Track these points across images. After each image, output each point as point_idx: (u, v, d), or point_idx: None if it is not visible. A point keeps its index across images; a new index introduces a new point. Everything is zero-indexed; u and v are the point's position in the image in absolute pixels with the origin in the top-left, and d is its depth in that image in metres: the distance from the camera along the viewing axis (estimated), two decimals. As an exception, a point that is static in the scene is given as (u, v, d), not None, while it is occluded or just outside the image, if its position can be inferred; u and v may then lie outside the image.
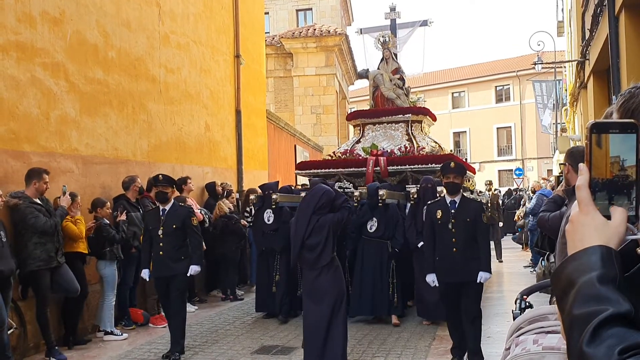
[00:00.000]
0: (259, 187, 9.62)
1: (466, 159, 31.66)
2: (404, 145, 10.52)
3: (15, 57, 7.03)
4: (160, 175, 7.03)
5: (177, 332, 6.78)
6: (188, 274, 6.90)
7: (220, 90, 12.64)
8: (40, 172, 6.83)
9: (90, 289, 7.92)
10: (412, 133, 10.93)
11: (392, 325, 8.11)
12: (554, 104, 25.98)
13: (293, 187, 10.91)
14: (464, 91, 43.60)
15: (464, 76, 44.23)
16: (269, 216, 8.86)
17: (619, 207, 1.03)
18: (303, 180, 15.03)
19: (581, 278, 0.96)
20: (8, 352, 5.94)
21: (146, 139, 9.70)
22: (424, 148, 10.44)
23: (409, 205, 8.76)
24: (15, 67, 7.02)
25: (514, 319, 2.29)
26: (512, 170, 35.61)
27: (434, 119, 12.24)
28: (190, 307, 9.49)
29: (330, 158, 11.21)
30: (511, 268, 13.96)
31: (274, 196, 8.68)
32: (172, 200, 7.08)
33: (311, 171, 10.69)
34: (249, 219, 11.06)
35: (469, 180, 11.58)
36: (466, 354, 6.19)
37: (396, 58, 12.02)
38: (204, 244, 9.91)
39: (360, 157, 10.46)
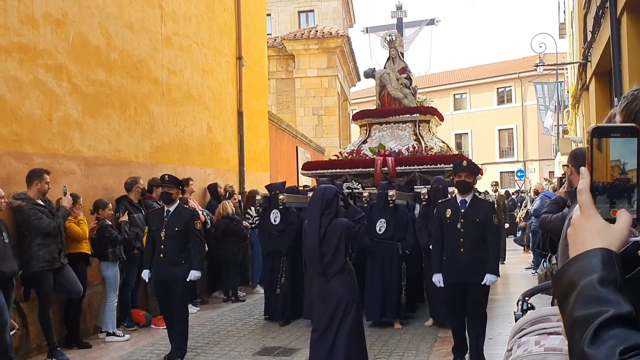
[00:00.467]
0: (266, 187, 9.51)
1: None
2: (412, 145, 10.39)
3: (18, 58, 7.04)
4: (167, 176, 6.88)
5: (179, 337, 6.69)
6: (188, 279, 6.70)
7: (222, 91, 12.66)
8: (40, 172, 6.84)
9: (93, 290, 7.94)
10: (419, 133, 10.81)
11: (383, 325, 8.06)
12: (555, 106, 25.97)
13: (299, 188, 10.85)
14: (465, 93, 43.58)
15: (465, 78, 44.20)
16: (275, 217, 8.71)
17: (625, 210, 1.03)
18: (306, 181, 15.05)
19: (582, 280, 0.97)
20: (10, 353, 5.95)
21: (148, 140, 9.71)
22: (433, 148, 10.31)
23: (418, 206, 8.69)
24: (18, 69, 7.03)
25: (516, 320, 2.29)
26: (513, 172, 35.60)
27: (442, 118, 12.12)
28: (192, 309, 9.49)
29: (336, 158, 11.10)
30: (513, 270, 13.95)
31: (280, 196, 8.52)
32: (178, 202, 6.92)
33: (317, 172, 10.58)
34: (251, 221, 11.07)
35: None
36: (467, 354, 6.17)
37: (403, 57, 11.91)
38: (206, 245, 9.95)
39: (368, 158, 10.33)
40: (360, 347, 5.47)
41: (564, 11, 23.83)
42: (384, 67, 11.71)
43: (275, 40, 23.14)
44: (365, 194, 8.60)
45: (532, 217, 13.17)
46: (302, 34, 23.25)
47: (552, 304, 3.05)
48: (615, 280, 0.96)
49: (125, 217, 8.09)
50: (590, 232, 1.02)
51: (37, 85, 7.33)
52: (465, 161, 6.19)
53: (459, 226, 5.97)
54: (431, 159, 9.81)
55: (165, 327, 8.30)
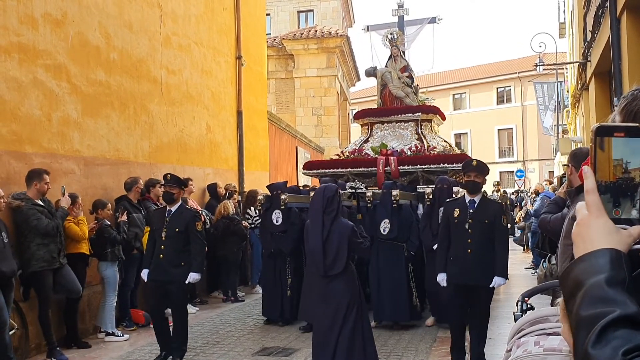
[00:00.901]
0: (267, 187, 9.38)
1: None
2: (415, 145, 10.28)
3: (18, 58, 7.04)
4: (169, 175, 6.75)
5: (179, 338, 6.62)
6: (187, 282, 6.57)
7: (221, 91, 12.65)
8: (40, 172, 6.84)
9: (92, 290, 7.94)
10: (421, 132, 10.71)
11: (394, 328, 8.00)
12: (555, 106, 25.98)
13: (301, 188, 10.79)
14: (465, 92, 43.59)
15: (465, 77, 44.21)
16: (277, 217, 8.55)
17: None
18: (305, 181, 15.04)
19: (589, 280, 0.96)
20: (10, 353, 5.95)
21: (147, 140, 9.71)
22: (435, 147, 10.21)
23: (420, 206, 8.60)
24: (18, 69, 7.03)
25: (516, 320, 2.29)
26: (513, 171, 35.62)
27: (444, 118, 12.03)
28: (191, 309, 9.49)
29: (338, 158, 11.01)
30: (512, 270, 13.90)
31: (282, 196, 8.40)
32: (180, 202, 6.79)
33: (318, 171, 10.48)
34: (250, 221, 11.06)
35: None
36: (467, 355, 6.15)
37: (404, 55, 11.80)
38: (206, 246, 9.94)
39: (370, 157, 10.23)
40: (365, 349, 5.37)
41: (564, 11, 23.84)
42: (386, 66, 11.59)
43: (275, 40, 23.13)
44: (369, 193, 8.51)
45: (532, 218, 13.17)
46: (302, 34, 23.25)
47: (552, 305, 3.05)
48: (623, 280, 0.95)
49: (124, 217, 8.08)
50: (600, 232, 1.01)
51: (37, 85, 7.33)
52: (475, 161, 6.12)
53: (466, 226, 5.89)
54: (434, 158, 9.71)
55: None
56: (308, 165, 11.07)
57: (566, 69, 24.05)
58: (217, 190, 11.41)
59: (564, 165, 11.03)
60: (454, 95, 44.02)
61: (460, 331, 6.10)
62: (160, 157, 10.06)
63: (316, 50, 23.05)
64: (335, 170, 10.25)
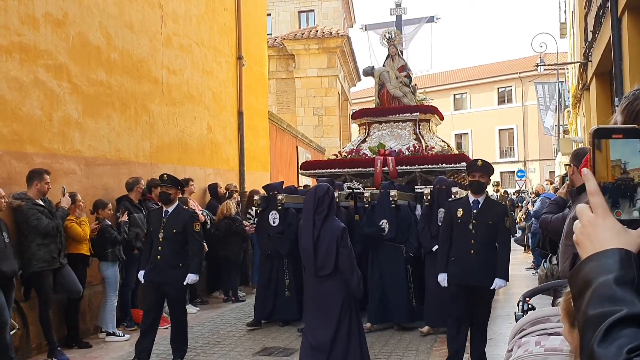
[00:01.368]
0: (263, 187, 9.27)
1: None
2: (412, 145, 10.20)
3: (19, 58, 7.04)
4: (165, 175, 6.66)
5: (179, 338, 6.58)
6: (185, 283, 6.48)
7: (222, 91, 12.66)
8: (40, 172, 6.84)
9: (93, 290, 7.95)
10: (419, 132, 10.63)
11: (394, 329, 7.93)
12: (556, 106, 25.97)
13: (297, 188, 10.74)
14: (465, 93, 43.59)
15: (465, 78, 44.21)
16: (274, 218, 8.47)
17: None
18: (306, 181, 15.03)
19: (598, 279, 0.97)
20: (11, 353, 5.95)
21: (148, 140, 9.71)
22: (433, 148, 10.13)
23: (418, 207, 8.52)
24: (19, 69, 7.03)
25: (517, 321, 2.29)
26: (514, 172, 35.60)
27: (442, 118, 11.95)
28: (192, 309, 9.50)
29: (335, 158, 10.94)
30: (513, 270, 13.87)
31: (279, 197, 8.31)
32: (177, 202, 6.70)
33: (316, 171, 10.39)
34: (252, 221, 11.05)
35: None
36: (468, 355, 6.13)
37: (402, 55, 11.72)
38: (205, 245, 9.94)
39: (367, 157, 10.14)
40: (362, 348, 5.34)
41: (565, 11, 23.84)
42: (383, 65, 11.51)
43: (276, 40, 23.14)
44: (367, 194, 8.45)
45: (533, 218, 13.18)
46: (303, 34, 23.25)
47: (553, 305, 3.05)
48: (632, 280, 0.96)
49: (124, 217, 8.09)
50: (608, 232, 1.02)
51: (38, 85, 7.33)
52: (480, 161, 6.06)
53: (470, 227, 5.84)
54: (432, 158, 9.63)
55: (166, 326, 8.32)
56: (305, 166, 10.96)
57: (567, 69, 24.04)
58: (218, 190, 11.41)
59: (566, 165, 11.04)
60: (454, 95, 44.02)
61: (457, 336, 6.00)
62: (161, 157, 10.06)
63: (317, 50, 23.06)
64: (332, 170, 10.16)
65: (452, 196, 7.33)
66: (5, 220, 6.37)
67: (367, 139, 10.91)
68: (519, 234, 17.41)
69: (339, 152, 11.32)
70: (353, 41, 24.88)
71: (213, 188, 11.47)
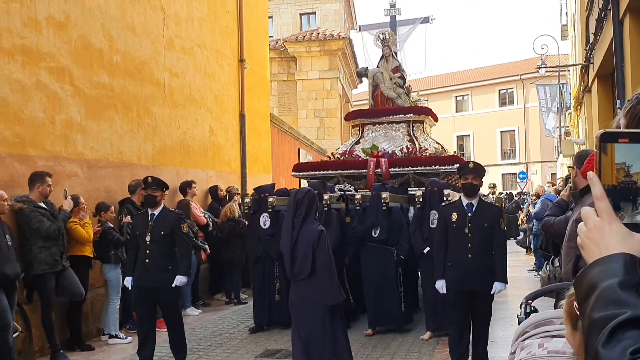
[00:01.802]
0: (254, 189, 9.14)
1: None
2: (406, 146, 10.08)
3: (21, 61, 7.06)
4: (150, 178, 6.57)
5: (177, 340, 6.52)
6: (173, 285, 6.39)
7: (224, 94, 12.67)
8: (42, 175, 6.84)
9: (95, 293, 7.95)
10: (413, 134, 10.48)
11: (396, 330, 7.88)
12: (557, 108, 25.97)
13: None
14: (467, 95, 43.60)
15: (467, 80, 44.23)
16: (265, 220, 8.36)
17: None
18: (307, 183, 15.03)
19: (603, 283, 0.98)
20: (14, 356, 5.96)
21: (150, 142, 9.72)
22: (427, 149, 10.00)
23: (411, 209, 8.41)
24: (21, 72, 7.05)
25: (519, 323, 2.30)
26: (515, 173, 35.60)
27: (436, 119, 11.80)
28: (194, 311, 9.52)
29: (328, 159, 10.81)
30: (515, 272, 13.92)
31: (270, 199, 8.20)
32: (162, 205, 6.62)
33: (309, 173, 10.24)
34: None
35: None
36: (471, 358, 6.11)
37: (396, 56, 11.60)
38: (207, 247, 9.95)
39: (360, 159, 10.01)
40: (338, 352, 5.30)
41: (566, 13, 23.84)
42: (377, 66, 11.37)
43: (277, 42, 23.16)
44: (358, 196, 8.36)
45: (534, 220, 13.17)
46: (304, 36, 23.28)
47: (555, 307, 3.05)
48: (636, 284, 0.97)
49: (127, 219, 8.09)
50: (614, 237, 1.03)
51: (40, 88, 7.35)
52: (471, 163, 5.98)
53: (466, 231, 5.74)
54: (425, 160, 9.49)
55: (165, 329, 8.31)
56: (298, 167, 10.78)
57: (568, 71, 24.04)
58: (218, 192, 11.43)
59: (569, 167, 11.02)
60: (456, 97, 44.03)
61: (460, 342, 5.95)
62: (163, 159, 10.07)
63: (318, 52, 23.08)
64: (325, 172, 10.01)
65: (445, 198, 7.25)
66: (8, 223, 6.38)
67: (360, 141, 10.79)
68: (520, 236, 17.40)
69: (332, 153, 11.18)
70: (354, 43, 24.91)
71: (213, 190, 11.49)
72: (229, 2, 13.21)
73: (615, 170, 1.04)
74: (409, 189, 9.25)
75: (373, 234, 7.90)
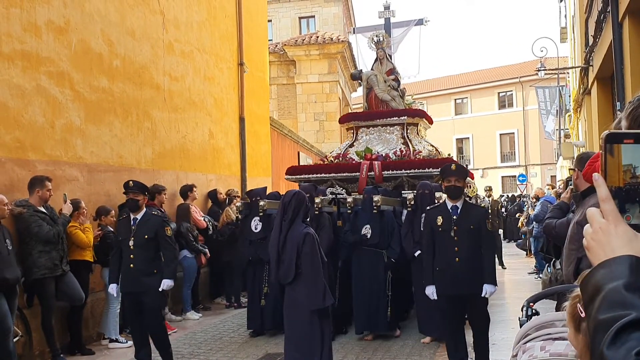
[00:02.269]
0: (246, 193, 9.03)
1: (467, 165, 31.55)
2: (400, 149, 9.95)
3: (21, 66, 7.06)
4: (131, 182, 6.50)
5: (161, 345, 6.41)
6: (160, 289, 6.37)
7: (224, 97, 12.68)
8: (42, 179, 6.84)
9: (95, 297, 7.95)
10: (407, 136, 10.36)
11: (394, 336, 7.78)
12: (557, 110, 25.98)
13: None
14: (466, 97, 43.64)
15: (466, 82, 44.27)
16: (256, 224, 8.26)
17: None
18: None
19: (608, 285, 0.99)
20: (14, 360, 5.95)
21: (150, 146, 9.72)
22: (421, 152, 9.90)
23: (405, 212, 8.29)
24: (21, 76, 7.05)
25: (521, 326, 2.29)
26: (515, 176, 35.59)
27: (431, 121, 11.69)
28: (194, 315, 9.51)
29: (322, 162, 10.69)
30: (515, 274, 13.93)
31: (261, 203, 8.11)
32: (144, 209, 6.57)
33: (302, 176, 10.06)
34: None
35: (469, 187, 11.30)
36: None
37: (391, 58, 11.48)
38: (207, 251, 9.95)
39: (354, 162, 9.88)
40: (324, 356, 5.25)
41: (565, 15, 23.86)
42: (372, 69, 11.25)
43: (277, 46, 23.18)
44: (350, 199, 8.25)
45: (534, 222, 13.16)
46: (303, 40, 23.31)
47: (557, 310, 3.05)
48: None
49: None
50: (620, 239, 1.03)
51: (40, 92, 7.35)
52: (453, 165, 5.86)
53: (452, 234, 5.61)
54: (419, 163, 9.35)
55: (169, 333, 8.31)
56: (291, 171, 10.56)
57: (568, 73, 24.06)
58: (218, 196, 11.43)
59: (570, 169, 11.02)
60: (455, 100, 44.06)
61: (457, 348, 5.87)
62: (163, 163, 10.07)
63: (318, 56, 23.10)
64: (318, 175, 9.87)
65: (437, 201, 7.16)
66: (8, 228, 6.37)
67: (354, 143, 10.66)
68: (521, 238, 17.39)
69: (326, 156, 11.07)
70: (353, 46, 24.93)
71: (213, 194, 11.49)
72: (229, 6, 13.23)
73: (622, 172, 1.04)
74: (402, 192, 9.15)
75: (365, 235, 7.79)
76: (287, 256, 5.13)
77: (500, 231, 16.04)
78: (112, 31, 8.83)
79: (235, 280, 10.58)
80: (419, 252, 7.26)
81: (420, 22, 12.59)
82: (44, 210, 6.84)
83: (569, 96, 23.23)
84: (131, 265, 6.32)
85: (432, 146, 10.61)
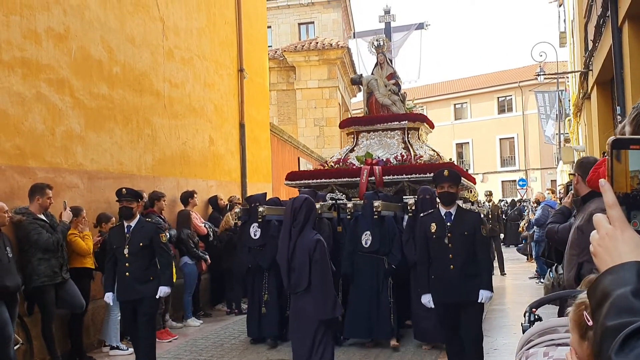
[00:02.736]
0: (245, 199, 8.89)
1: (467, 170, 31.49)
2: (400, 154, 9.85)
3: (21, 73, 7.07)
4: (124, 189, 6.44)
5: (148, 353, 6.32)
6: (157, 296, 6.33)
7: (224, 104, 12.69)
8: (43, 187, 6.83)
9: (96, 304, 7.92)
10: (408, 141, 10.27)
11: (391, 347, 7.60)
12: (556, 115, 25.99)
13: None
14: (466, 102, 43.70)
15: (466, 87, 44.35)
16: (255, 231, 8.11)
17: None
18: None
19: (616, 291, 0.99)
20: (14, 368, 5.93)
21: (151, 153, 9.72)
22: (422, 156, 9.80)
23: (406, 217, 8.17)
24: (21, 83, 7.06)
25: (524, 331, 2.28)
26: (515, 180, 35.62)
27: (432, 126, 11.60)
28: (195, 322, 9.49)
29: (322, 168, 10.62)
30: (516, 279, 13.90)
31: (260, 209, 7.93)
32: (138, 216, 6.53)
33: (302, 182, 10.01)
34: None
35: (470, 191, 11.26)
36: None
37: (391, 63, 11.38)
38: (208, 257, 9.94)
39: (354, 167, 9.79)
40: None
41: (564, 20, 23.91)
42: (372, 73, 11.17)
43: (276, 52, 23.23)
44: (350, 204, 8.14)
45: (534, 227, 13.15)
46: (303, 46, 23.36)
47: (559, 315, 3.04)
48: None
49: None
50: (627, 245, 1.03)
51: (40, 100, 7.35)
52: (446, 170, 5.74)
53: (446, 241, 5.52)
54: (420, 167, 9.27)
55: (170, 339, 8.31)
56: (291, 176, 10.46)
57: (567, 77, 24.09)
58: (218, 202, 11.43)
59: (570, 174, 11.00)
60: (455, 105, 44.13)
61: (457, 356, 5.76)
62: (163, 170, 10.07)
63: (317, 61, 23.14)
64: (318, 180, 9.81)
65: (437, 206, 7.11)
66: (8, 235, 6.36)
67: (355, 148, 10.57)
68: (522, 243, 17.38)
69: (326, 161, 10.99)
70: (353, 52, 24.99)
71: (213, 200, 11.48)
72: (228, 13, 13.25)
73: (630, 178, 1.03)
74: (404, 197, 9.04)
75: (364, 244, 7.67)
76: (298, 264, 4.97)
77: (501, 236, 15.93)
78: (112, 38, 8.84)
79: (236, 287, 10.56)
80: None
81: (420, 26, 12.52)
82: (43, 217, 6.83)
83: (569, 100, 23.26)
84: (126, 273, 6.27)
85: (434, 151, 10.53)
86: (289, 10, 28.02)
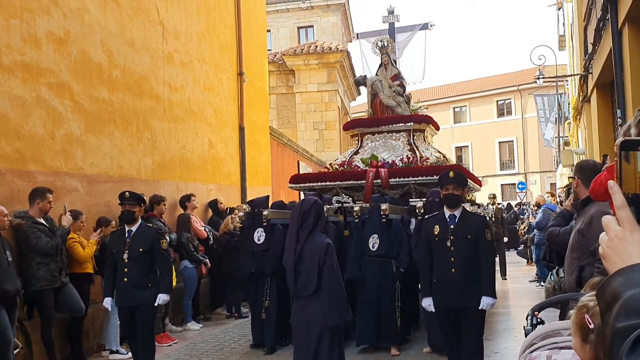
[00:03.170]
0: (248, 203, 8.81)
1: (469, 174, 31.36)
2: (406, 156, 9.70)
3: (21, 77, 7.06)
4: (127, 193, 6.37)
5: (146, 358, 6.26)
6: (156, 304, 6.21)
7: (223, 107, 12.69)
8: (43, 191, 6.82)
9: (96, 308, 7.90)
10: (414, 143, 10.10)
11: (369, 350, 7.50)
12: (556, 118, 26.01)
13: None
14: (465, 106, 43.72)
15: (465, 91, 44.37)
16: (259, 235, 7.97)
17: None
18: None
19: (626, 292, 0.98)
20: (14, 373, 5.91)
21: (150, 156, 9.72)
22: (428, 159, 9.65)
23: (413, 220, 8.12)
24: (21, 87, 7.05)
25: (526, 335, 2.28)
26: (514, 184, 35.59)
27: (437, 128, 11.44)
28: (195, 326, 9.47)
29: (327, 170, 10.49)
30: (516, 283, 13.88)
31: (264, 212, 7.78)
32: (140, 221, 6.41)
33: (306, 185, 9.87)
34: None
35: (469, 195, 11.15)
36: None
37: (395, 64, 11.27)
38: (208, 261, 9.92)
39: (359, 169, 9.66)
40: None
41: (563, 23, 23.95)
42: (376, 74, 11.00)
43: (276, 55, 23.24)
44: (357, 208, 8.00)
45: (535, 230, 13.14)
46: (302, 49, 23.38)
47: (562, 318, 3.04)
48: None
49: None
50: (636, 246, 1.03)
51: (40, 104, 7.35)
52: (452, 172, 5.64)
53: (448, 244, 5.40)
54: (427, 170, 9.08)
55: (169, 344, 8.29)
56: (295, 179, 10.33)
57: (567, 81, 24.12)
58: (218, 206, 11.42)
59: (569, 177, 11.00)
60: (454, 108, 44.13)
61: (457, 358, 5.62)
62: (163, 173, 10.06)
63: (317, 65, 23.16)
64: (323, 183, 9.67)
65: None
66: (8, 239, 6.35)
67: (359, 151, 10.43)
68: (521, 247, 17.37)
69: (330, 164, 10.87)
70: (352, 56, 25.03)
71: (213, 204, 11.48)
72: (228, 17, 13.26)
73: (639, 179, 1.03)
74: (410, 200, 8.93)
75: (372, 247, 7.58)
76: (306, 267, 4.85)
77: (505, 239, 15.82)
78: (112, 42, 8.85)
79: (236, 291, 10.54)
80: None
81: (425, 26, 12.37)
82: (43, 222, 6.82)
83: (568, 104, 23.28)
84: (125, 279, 6.16)
85: (440, 152, 10.40)
86: (289, 14, 28.06)
